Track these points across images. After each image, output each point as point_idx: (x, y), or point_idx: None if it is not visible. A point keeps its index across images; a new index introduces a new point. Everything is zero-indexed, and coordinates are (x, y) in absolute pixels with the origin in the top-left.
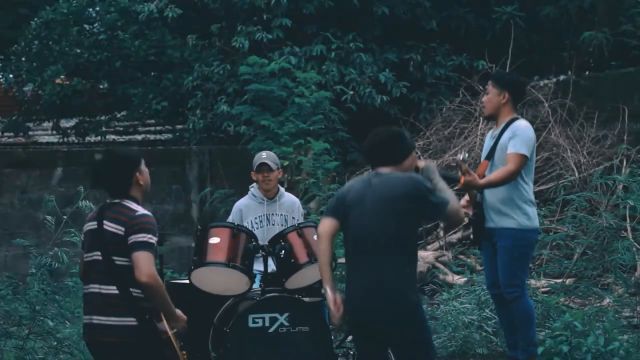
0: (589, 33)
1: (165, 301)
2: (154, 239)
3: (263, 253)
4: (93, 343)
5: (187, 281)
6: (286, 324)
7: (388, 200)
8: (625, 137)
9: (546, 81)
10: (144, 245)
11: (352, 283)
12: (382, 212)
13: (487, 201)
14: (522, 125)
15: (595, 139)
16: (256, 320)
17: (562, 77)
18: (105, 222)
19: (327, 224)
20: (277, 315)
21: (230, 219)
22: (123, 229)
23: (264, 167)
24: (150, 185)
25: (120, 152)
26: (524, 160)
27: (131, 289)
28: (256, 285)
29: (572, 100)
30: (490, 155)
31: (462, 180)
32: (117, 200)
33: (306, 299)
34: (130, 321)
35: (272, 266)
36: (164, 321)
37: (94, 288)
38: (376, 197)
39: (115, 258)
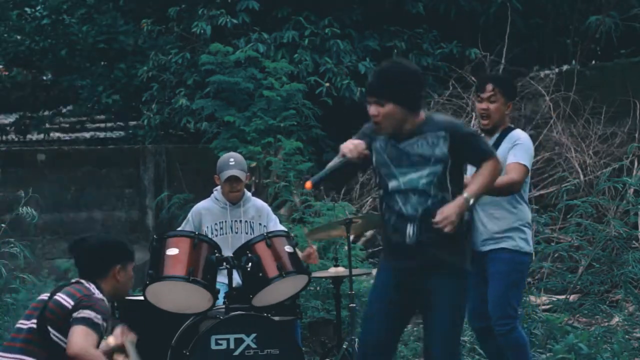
0: (596, 17)
1: None
2: (101, 321)
3: (227, 265)
4: None
5: (142, 297)
6: (253, 346)
7: None
8: (636, 135)
9: (547, 72)
10: (86, 321)
11: None
12: None
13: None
14: (523, 135)
15: (602, 136)
16: (219, 341)
17: (565, 67)
18: (59, 293)
19: None
20: (243, 336)
21: (188, 222)
22: (72, 302)
23: (231, 179)
24: (129, 288)
25: (111, 239)
26: (526, 172)
27: None
28: (219, 302)
29: (576, 93)
30: None
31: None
32: (82, 280)
33: (276, 318)
34: None
35: (237, 280)
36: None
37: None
38: None
39: (51, 329)
